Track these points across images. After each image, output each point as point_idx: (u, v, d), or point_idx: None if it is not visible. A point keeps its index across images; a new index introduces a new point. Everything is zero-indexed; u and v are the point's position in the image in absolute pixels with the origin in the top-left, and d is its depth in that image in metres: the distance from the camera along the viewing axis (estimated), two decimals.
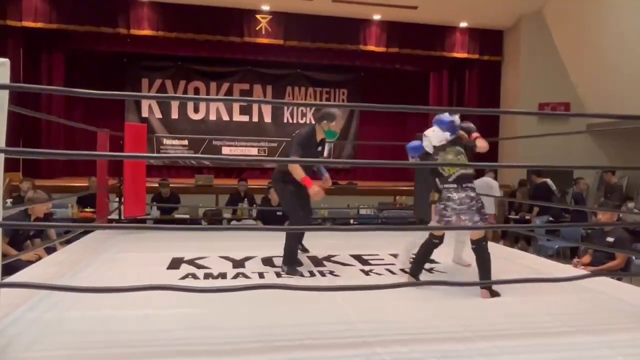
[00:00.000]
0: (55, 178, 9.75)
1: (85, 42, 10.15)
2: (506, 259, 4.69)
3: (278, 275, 3.81)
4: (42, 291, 2.94)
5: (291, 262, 3.90)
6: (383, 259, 4.46)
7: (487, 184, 7.93)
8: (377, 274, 3.92)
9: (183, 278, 3.65)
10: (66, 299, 2.89)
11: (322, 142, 4.02)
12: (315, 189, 3.68)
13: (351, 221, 7.92)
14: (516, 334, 2.62)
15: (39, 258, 4.49)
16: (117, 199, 6.15)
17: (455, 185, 3.41)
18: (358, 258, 4.46)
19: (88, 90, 2.22)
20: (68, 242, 5.03)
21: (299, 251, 4.20)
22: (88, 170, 8.02)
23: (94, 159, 5.97)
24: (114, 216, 6.01)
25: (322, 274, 3.90)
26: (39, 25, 9.29)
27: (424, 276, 3.87)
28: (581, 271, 4.10)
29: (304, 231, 4.27)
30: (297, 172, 3.74)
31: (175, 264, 4.10)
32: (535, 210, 7.93)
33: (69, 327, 2.54)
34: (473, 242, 3.37)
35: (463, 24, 10.87)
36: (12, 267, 3.64)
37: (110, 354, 2.26)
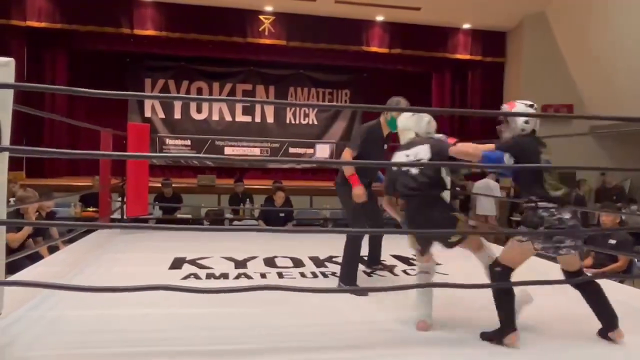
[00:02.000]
0: (57, 177, 9.76)
1: (88, 42, 10.16)
2: None
3: (280, 276, 3.81)
4: (45, 290, 2.95)
5: (350, 279, 3.44)
6: (384, 261, 4.45)
7: (487, 185, 7.93)
8: (379, 275, 3.92)
9: (185, 278, 3.65)
10: (68, 298, 2.90)
11: (388, 139, 3.63)
12: (359, 191, 3.35)
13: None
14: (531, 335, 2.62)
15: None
16: (119, 199, 6.16)
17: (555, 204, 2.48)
18: (360, 260, 4.45)
19: (91, 90, 2.23)
20: (70, 241, 5.04)
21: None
22: (91, 169, 8.05)
23: (97, 158, 5.97)
24: (117, 215, 6.01)
25: (324, 275, 3.90)
26: (43, 25, 9.31)
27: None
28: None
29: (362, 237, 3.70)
30: (346, 168, 3.44)
31: (177, 263, 4.11)
32: None
33: (71, 326, 2.55)
34: (572, 273, 2.60)
35: (466, 25, 10.86)
36: (14, 266, 3.65)
37: (112, 353, 2.27)
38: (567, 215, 2.45)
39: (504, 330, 2.46)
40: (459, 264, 4.40)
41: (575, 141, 9.63)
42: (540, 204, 2.47)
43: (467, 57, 11.09)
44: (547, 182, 2.49)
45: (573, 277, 2.60)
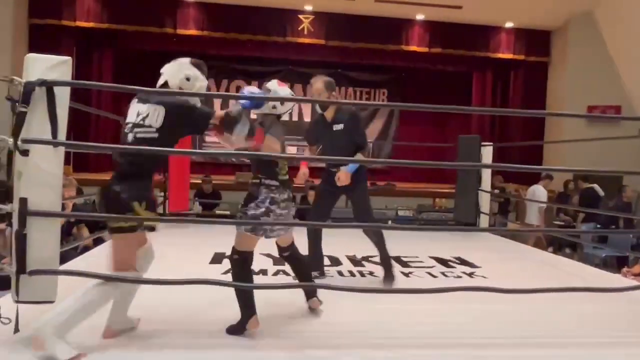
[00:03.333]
0: (101, 172, 10.09)
1: (133, 41, 10.48)
2: (551, 266, 4.57)
3: (340, 274, 3.84)
4: (92, 281, 3.05)
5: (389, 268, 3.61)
6: (423, 262, 4.42)
7: (533, 192, 7.58)
8: (417, 276, 3.90)
9: (225, 273, 3.71)
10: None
11: (338, 120, 3.55)
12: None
13: (389, 222, 7.87)
14: (560, 343, 2.55)
15: None
16: (161, 194, 6.32)
17: (278, 184, 2.60)
18: (397, 260, 4.43)
19: (144, 87, 2.31)
20: None
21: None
22: None
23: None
24: (158, 210, 6.18)
25: (362, 274, 3.91)
26: (91, 24, 9.67)
27: (464, 280, 3.81)
28: (632, 281, 3.94)
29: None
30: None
31: (217, 258, 4.20)
32: (581, 216, 7.63)
33: None
34: (284, 248, 2.85)
35: (509, 24, 10.61)
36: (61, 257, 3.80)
37: (153, 344, 2.35)
38: (284, 196, 2.59)
39: (245, 316, 2.46)
40: (498, 266, 4.34)
41: (623, 144, 9.25)
42: (265, 181, 2.56)
43: (510, 56, 10.84)
44: (279, 166, 2.61)
45: (285, 251, 2.83)
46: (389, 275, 3.58)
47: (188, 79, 2.44)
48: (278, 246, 2.85)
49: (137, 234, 2.32)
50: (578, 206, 7.61)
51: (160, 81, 2.49)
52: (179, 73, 2.45)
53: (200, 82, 2.47)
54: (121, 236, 2.28)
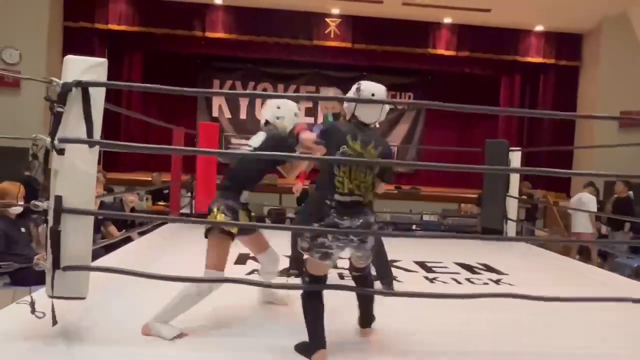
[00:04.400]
0: (131, 171, 10.30)
1: (162, 44, 10.68)
2: (581, 275, 4.47)
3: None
4: (121, 278, 3.11)
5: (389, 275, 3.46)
6: (447, 267, 4.37)
7: (580, 200, 7.17)
8: (442, 282, 3.86)
9: (249, 274, 3.75)
10: (143, 286, 3.04)
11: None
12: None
13: (413, 227, 7.81)
14: (590, 354, 2.50)
15: None
16: (188, 194, 6.42)
17: (347, 205, 2.30)
18: (422, 265, 4.40)
19: (182, 88, 2.36)
20: (142, 233, 5.32)
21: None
22: (161, 165, 8.41)
23: (176, 154, 6.19)
24: (186, 210, 6.27)
25: None
26: (122, 27, 9.90)
27: (490, 287, 3.76)
28: None
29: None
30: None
31: (241, 259, 4.23)
32: (627, 226, 7.25)
33: (149, 312, 2.68)
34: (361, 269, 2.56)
35: (539, 28, 10.43)
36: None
37: (182, 341, 2.39)
38: (347, 223, 2.25)
39: (312, 346, 2.24)
40: (526, 274, 4.27)
41: None
42: (331, 203, 2.30)
43: (539, 60, 10.64)
44: (337, 182, 2.29)
45: (357, 271, 2.57)
46: (387, 282, 3.38)
47: (278, 107, 2.77)
48: (352, 265, 2.58)
49: (221, 236, 2.58)
50: (613, 214, 7.31)
51: (262, 120, 2.84)
52: (270, 109, 2.78)
53: (289, 106, 2.80)
54: (210, 238, 2.61)
